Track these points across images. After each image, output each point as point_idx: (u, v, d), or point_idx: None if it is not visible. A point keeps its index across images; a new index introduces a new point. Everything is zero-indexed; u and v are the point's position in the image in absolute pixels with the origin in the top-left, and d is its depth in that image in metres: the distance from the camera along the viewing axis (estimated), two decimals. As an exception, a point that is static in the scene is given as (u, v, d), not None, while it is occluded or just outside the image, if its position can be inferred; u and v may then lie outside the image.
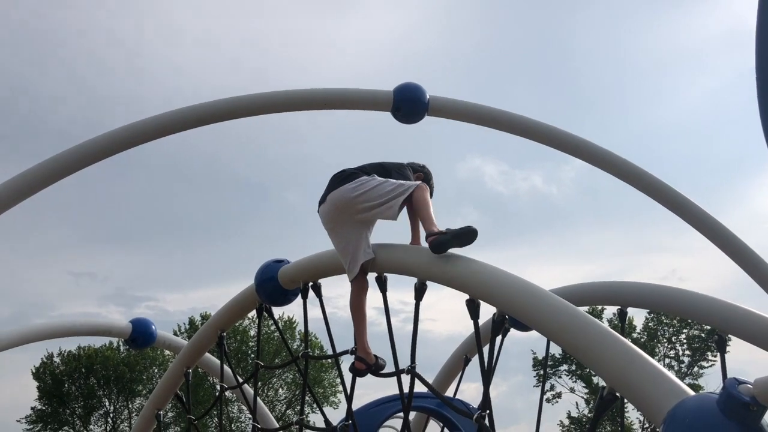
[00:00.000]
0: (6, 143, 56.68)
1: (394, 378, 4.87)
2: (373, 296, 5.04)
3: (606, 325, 3.60)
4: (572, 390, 40.63)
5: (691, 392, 2.91)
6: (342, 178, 4.76)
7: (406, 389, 4.87)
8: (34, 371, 41.49)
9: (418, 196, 4.51)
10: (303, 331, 6.07)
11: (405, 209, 4.74)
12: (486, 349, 4.47)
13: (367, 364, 4.94)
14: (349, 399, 5.26)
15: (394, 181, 4.66)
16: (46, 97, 58.21)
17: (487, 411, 3.99)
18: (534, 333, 3.75)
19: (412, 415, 8.14)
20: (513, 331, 6.82)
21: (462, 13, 67.02)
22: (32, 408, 41.17)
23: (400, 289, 5.33)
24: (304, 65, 62.34)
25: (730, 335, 5.48)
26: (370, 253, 4.70)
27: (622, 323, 6.09)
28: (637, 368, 3.06)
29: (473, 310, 4.10)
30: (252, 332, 39.99)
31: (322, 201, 4.87)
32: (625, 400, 3.34)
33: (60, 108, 57.88)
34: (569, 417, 40.04)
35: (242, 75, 58.65)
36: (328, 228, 4.82)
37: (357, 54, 63.34)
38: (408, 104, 7.44)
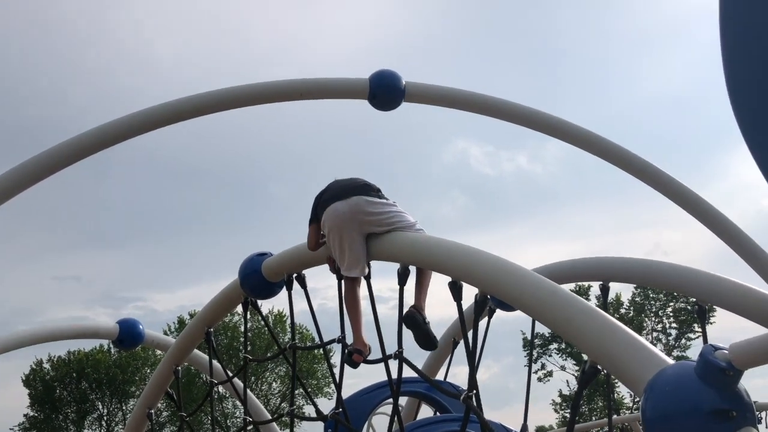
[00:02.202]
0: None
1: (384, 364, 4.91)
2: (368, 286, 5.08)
3: (593, 301, 3.65)
4: (563, 368, 41.10)
5: (671, 361, 2.96)
6: (371, 189, 4.85)
7: (395, 375, 4.90)
8: (24, 378, 41.25)
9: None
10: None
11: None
12: (471, 331, 4.50)
13: (364, 356, 4.99)
14: (338, 386, 5.29)
15: (412, 220, 4.80)
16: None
17: (474, 391, 4.03)
18: (523, 313, 3.79)
19: (403, 400, 8.20)
20: (504, 313, 6.88)
21: (437, -3, 66.90)
22: (24, 415, 40.99)
23: (392, 276, 5.36)
24: (279, 55, 62.08)
25: (712, 305, 5.56)
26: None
27: (605, 298, 6.16)
28: (616, 340, 3.10)
29: (456, 291, 4.14)
30: (242, 328, 39.96)
31: (337, 197, 4.78)
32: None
33: (26, 109, 57.11)
34: (561, 395, 40.47)
35: (216, 67, 58.29)
36: (335, 225, 4.73)
37: (333, 41, 63.09)
38: (384, 91, 7.44)
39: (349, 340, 5.13)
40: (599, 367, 3.25)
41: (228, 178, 59.62)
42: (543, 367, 41.15)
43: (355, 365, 5.01)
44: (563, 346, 40.41)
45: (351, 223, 4.69)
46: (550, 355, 41.41)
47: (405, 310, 4.89)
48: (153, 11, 62.11)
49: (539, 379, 40.70)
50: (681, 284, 5.78)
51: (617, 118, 58.59)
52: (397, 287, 4.69)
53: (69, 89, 59.80)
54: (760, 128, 2.10)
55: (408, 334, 4.90)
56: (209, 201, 59.38)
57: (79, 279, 55.46)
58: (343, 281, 5.04)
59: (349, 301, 5.06)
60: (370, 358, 5.04)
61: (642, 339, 3.12)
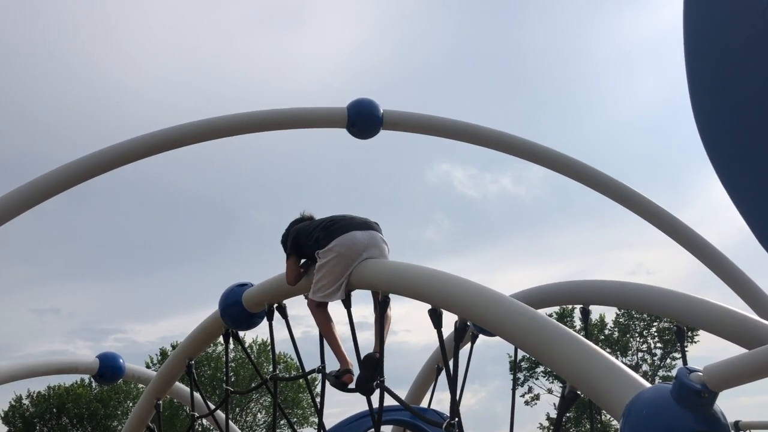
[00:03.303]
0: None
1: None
2: (341, 313, 5.09)
3: (577, 323, 3.67)
4: (550, 391, 40.94)
5: (647, 384, 2.99)
6: (380, 229, 5.00)
7: (376, 404, 4.87)
8: (2, 415, 40.36)
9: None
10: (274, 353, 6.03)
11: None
12: (452, 360, 4.50)
13: (352, 376, 4.96)
14: (320, 415, 5.26)
15: None
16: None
17: (456, 419, 4.03)
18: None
19: (387, 429, 8.13)
20: (490, 337, 6.87)
21: (413, 24, 67.80)
22: (3, 453, 40.02)
23: (369, 303, 5.36)
24: (260, 81, 62.29)
25: (690, 327, 5.60)
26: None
27: (585, 322, 6.20)
28: (594, 365, 3.13)
29: (435, 318, 4.15)
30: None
31: (355, 227, 4.85)
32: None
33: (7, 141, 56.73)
34: (548, 418, 40.28)
35: (199, 94, 58.36)
36: (350, 252, 4.75)
37: (311, 69, 63.51)
38: (362, 120, 7.51)
39: (333, 366, 5.11)
40: (578, 392, 3.27)
41: (207, 208, 59.41)
42: (530, 390, 41.00)
43: (345, 387, 4.95)
44: (549, 369, 40.42)
45: (363, 253, 4.75)
46: (537, 378, 41.30)
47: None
48: (127, 40, 62.16)
49: (526, 403, 40.54)
50: (659, 306, 5.82)
51: (595, 139, 59.37)
52: (371, 314, 4.70)
53: (50, 120, 59.45)
54: (721, 146, 2.15)
55: (397, 362, 4.88)
56: (190, 231, 59.08)
57: (58, 311, 54.67)
58: (310, 306, 5.03)
59: (325, 326, 5.07)
60: (352, 386, 5.00)
61: (619, 363, 3.15)
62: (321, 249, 4.83)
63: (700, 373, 2.72)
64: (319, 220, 5.13)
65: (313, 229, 5.00)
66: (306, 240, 5.00)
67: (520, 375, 40.28)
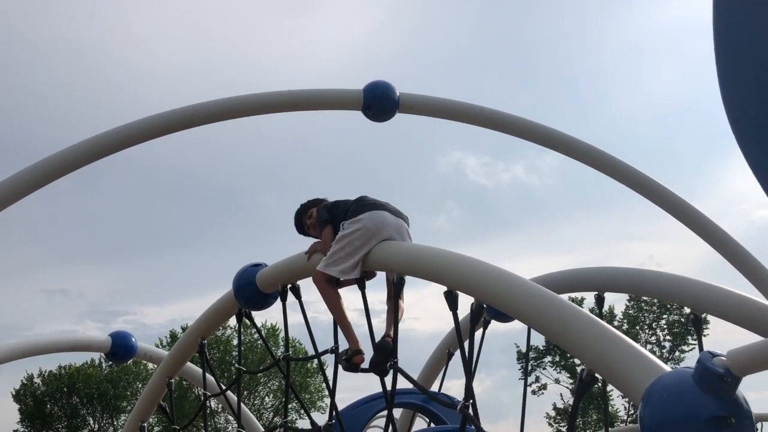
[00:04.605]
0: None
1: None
2: (354, 298, 5.05)
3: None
4: (557, 381, 40.94)
5: (668, 368, 2.95)
6: (408, 224, 5.03)
7: (389, 386, 4.86)
8: (14, 393, 40.84)
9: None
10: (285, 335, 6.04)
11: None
12: (468, 341, 4.48)
13: (363, 356, 4.94)
14: (333, 396, 5.26)
15: None
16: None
17: (471, 401, 4.01)
18: (516, 326, 3.80)
19: (398, 412, 8.15)
20: (496, 325, 6.85)
21: (429, 8, 67.34)
22: (14, 431, 40.52)
23: (376, 289, 5.34)
24: (272, 67, 62.14)
25: (706, 314, 5.55)
26: None
27: (600, 308, 6.15)
28: (614, 348, 3.09)
29: (451, 301, 4.12)
30: (235, 342, 39.72)
31: (386, 209, 4.87)
32: (608, 387, 3.38)
33: (14, 122, 56.92)
34: (555, 408, 40.32)
35: (210, 79, 58.27)
36: (376, 228, 4.73)
37: (326, 54, 63.28)
38: (378, 102, 7.46)
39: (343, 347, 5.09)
40: (597, 375, 3.24)
41: (219, 190, 59.46)
42: (537, 380, 40.98)
43: (356, 368, 4.92)
44: (557, 358, 40.32)
45: (386, 235, 4.72)
46: (544, 368, 41.28)
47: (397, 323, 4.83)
48: (142, 22, 62.06)
49: (533, 392, 40.54)
50: (676, 293, 5.78)
51: (611, 128, 58.84)
52: (379, 301, 4.67)
53: (58, 101, 59.66)
54: (755, 135, 2.10)
55: (404, 350, 4.84)
56: (199, 213, 59.21)
57: (68, 293, 55.09)
58: (320, 282, 4.95)
59: (336, 306, 5.00)
60: (365, 366, 4.99)
61: (639, 347, 3.11)
62: (348, 220, 4.80)
63: (723, 358, 2.68)
64: (353, 198, 5.12)
65: (346, 202, 5.02)
66: (337, 211, 4.99)
67: (528, 365, 40.25)
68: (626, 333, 39.55)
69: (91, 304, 54.02)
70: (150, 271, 56.90)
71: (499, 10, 67.35)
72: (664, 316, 40.12)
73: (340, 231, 4.82)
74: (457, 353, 7.44)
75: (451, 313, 4.21)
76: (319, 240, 5.08)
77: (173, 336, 39.64)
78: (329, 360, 5.42)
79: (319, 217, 5.10)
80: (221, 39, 64.40)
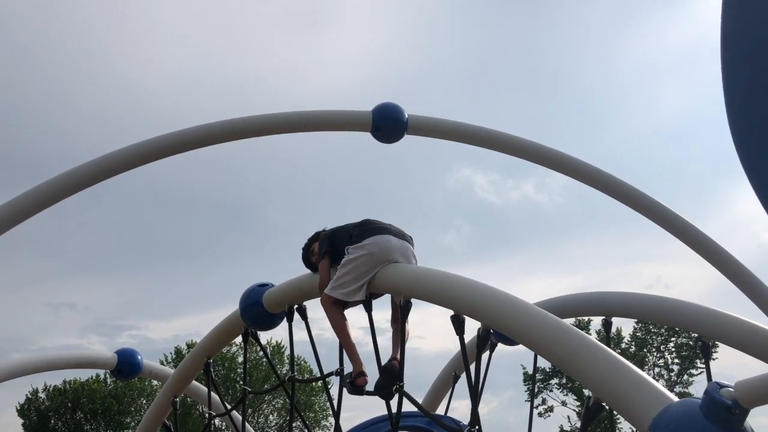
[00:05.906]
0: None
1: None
2: (360, 317, 5.06)
3: (594, 336, 3.63)
4: (564, 403, 40.56)
5: (675, 398, 2.94)
6: (412, 245, 5.05)
7: (394, 409, 4.84)
8: (18, 408, 40.75)
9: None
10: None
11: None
12: (474, 365, 4.47)
13: (366, 378, 4.93)
14: (337, 417, 5.24)
15: None
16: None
17: (477, 426, 3.99)
18: (523, 347, 3.75)
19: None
20: (502, 346, 6.81)
21: (438, 27, 67.76)
22: (18, 446, 40.39)
23: (381, 309, 5.35)
24: (281, 86, 62.56)
25: (715, 341, 5.52)
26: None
27: (608, 333, 6.12)
28: (621, 377, 3.08)
29: (458, 325, 4.12)
30: (240, 359, 39.58)
31: (390, 232, 4.89)
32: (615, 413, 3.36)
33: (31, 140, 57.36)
34: (561, 431, 39.90)
35: (221, 97, 58.77)
36: (381, 253, 4.75)
37: (335, 72, 63.68)
38: (387, 124, 7.50)
39: (347, 368, 5.08)
40: (603, 404, 3.23)
41: (225, 207, 59.63)
42: (544, 402, 40.62)
43: (361, 390, 4.90)
44: (564, 381, 39.99)
45: (391, 258, 4.74)
46: (551, 390, 40.93)
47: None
48: (148, 41, 62.74)
49: (540, 414, 40.16)
50: (684, 320, 5.75)
51: (622, 145, 58.79)
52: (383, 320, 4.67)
53: (66, 121, 60.17)
54: (757, 154, 2.10)
55: (409, 369, 4.83)
56: (205, 229, 59.29)
57: (74, 306, 55.11)
58: (326, 304, 4.96)
59: (340, 328, 5.00)
60: (370, 389, 4.97)
61: (646, 376, 3.10)
62: (353, 245, 4.82)
63: (731, 389, 2.67)
64: (356, 222, 5.14)
65: (349, 228, 5.03)
66: (340, 238, 5.00)
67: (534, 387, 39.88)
68: (634, 355, 39.26)
69: (96, 318, 54.06)
70: (156, 285, 57.04)
71: (512, 29, 67.79)
72: (673, 339, 39.77)
73: (345, 255, 4.85)
74: (464, 375, 7.40)
75: (456, 335, 4.21)
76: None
77: (178, 353, 39.54)
78: (334, 379, 5.40)
79: (320, 248, 5.14)
80: (232, 56, 65.01)
